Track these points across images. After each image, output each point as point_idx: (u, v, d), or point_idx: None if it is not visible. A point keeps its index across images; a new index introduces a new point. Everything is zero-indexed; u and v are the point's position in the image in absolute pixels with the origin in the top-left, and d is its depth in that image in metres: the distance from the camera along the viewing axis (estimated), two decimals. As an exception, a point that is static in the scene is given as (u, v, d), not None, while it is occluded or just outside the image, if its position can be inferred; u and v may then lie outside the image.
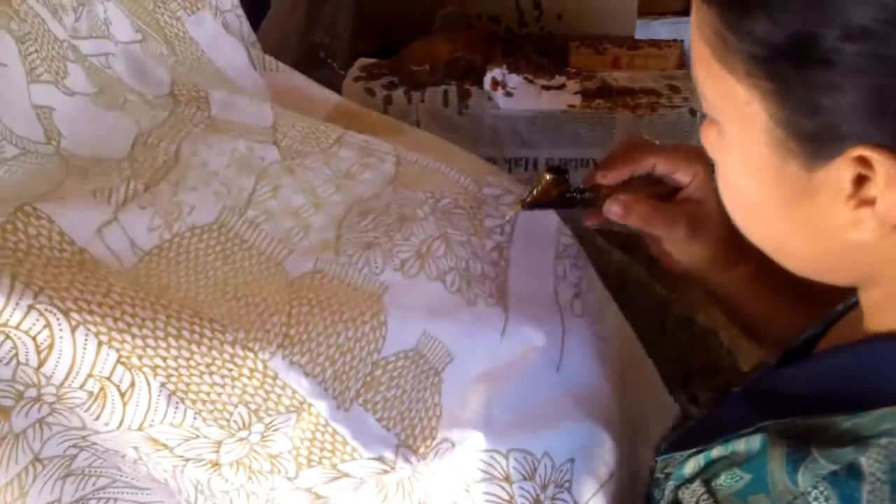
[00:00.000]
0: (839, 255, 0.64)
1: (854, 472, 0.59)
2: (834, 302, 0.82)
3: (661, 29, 1.96)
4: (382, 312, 0.77)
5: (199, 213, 0.78)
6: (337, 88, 1.16)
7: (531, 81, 1.16)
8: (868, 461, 0.59)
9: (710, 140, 0.71)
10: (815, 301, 0.87)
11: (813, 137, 0.58)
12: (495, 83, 1.15)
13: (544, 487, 0.80)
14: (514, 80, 1.15)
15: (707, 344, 1.17)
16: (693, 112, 1.15)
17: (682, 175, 0.88)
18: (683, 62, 1.78)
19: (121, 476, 0.74)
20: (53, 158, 0.75)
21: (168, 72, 0.91)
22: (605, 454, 0.84)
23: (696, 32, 0.64)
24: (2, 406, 0.66)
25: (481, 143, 1.17)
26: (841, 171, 0.58)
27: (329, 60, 1.18)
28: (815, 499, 0.60)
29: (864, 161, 0.56)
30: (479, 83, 1.15)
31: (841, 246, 0.62)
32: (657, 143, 0.90)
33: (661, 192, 0.88)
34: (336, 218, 0.83)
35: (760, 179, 0.63)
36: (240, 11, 1.10)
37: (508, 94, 1.14)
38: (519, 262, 0.88)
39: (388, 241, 0.83)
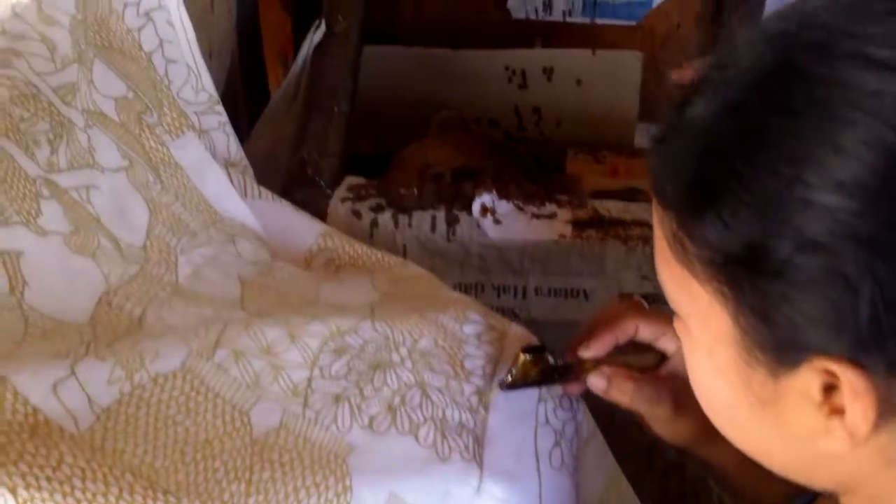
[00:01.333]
0: (814, 460, 0.61)
1: None
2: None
3: (661, 133, 1.94)
4: (347, 476, 0.74)
5: (164, 359, 0.74)
6: (324, 208, 1.14)
7: (521, 209, 1.13)
8: None
9: (679, 331, 0.69)
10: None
11: (774, 346, 0.56)
12: (484, 210, 1.12)
13: None
14: (503, 206, 1.13)
15: (696, 490, 1.14)
16: (686, 246, 1.12)
17: (667, 342, 0.85)
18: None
19: None
20: (13, 314, 0.72)
21: (148, 211, 0.88)
22: None
23: (656, 227, 0.62)
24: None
25: (469, 269, 1.15)
26: (807, 379, 0.55)
27: (316, 178, 1.15)
28: None
29: (829, 371, 0.54)
30: (469, 208, 1.12)
31: (814, 453, 0.60)
32: (643, 304, 0.87)
33: (646, 363, 0.86)
34: (311, 353, 0.80)
35: (728, 380, 0.61)
36: (228, 129, 1.08)
37: (497, 222, 1.12)
38: (499, 407, 0.85)
39: (357, 394, 0.80)
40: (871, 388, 0.52)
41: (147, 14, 1.01)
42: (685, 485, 1.09)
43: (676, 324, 0.68)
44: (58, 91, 0.87)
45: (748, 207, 0.53)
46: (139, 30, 1.00)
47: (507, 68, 1.70)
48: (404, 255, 1.14)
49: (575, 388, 0.87)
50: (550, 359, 0.85)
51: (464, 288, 1.16)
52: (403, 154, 1.62)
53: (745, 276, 0.54)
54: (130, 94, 0.95)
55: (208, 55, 1.24)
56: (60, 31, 0.90)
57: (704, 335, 0.61)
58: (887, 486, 0.59)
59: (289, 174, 1.19)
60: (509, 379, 0.84)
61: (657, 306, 0.91)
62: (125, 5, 0.99)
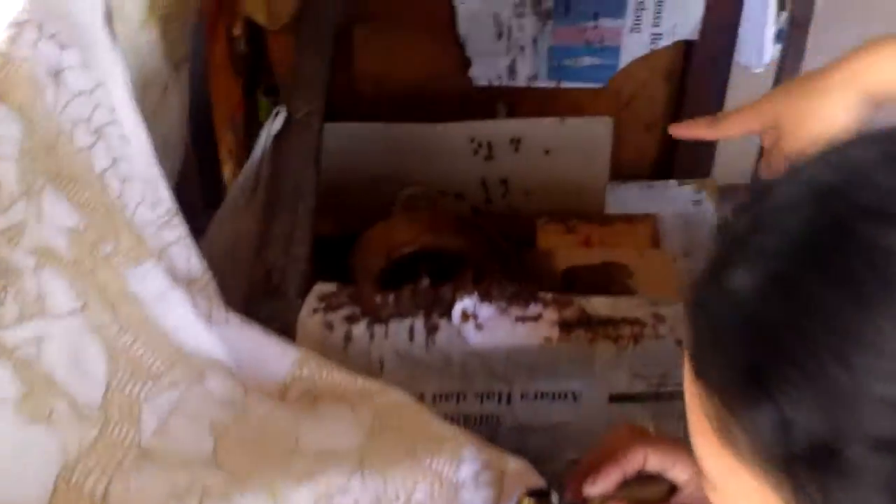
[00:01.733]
0: None
1: None
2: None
3: (629, 194, 1.89)
4: None
5: None
6: (293, 321, 1.07)
7: (504, 311, 1.07)
8: None
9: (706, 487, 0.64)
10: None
11: None
12: (465, 315, 1.06)
13: None
14: (485, 310, 1.06)
15: None
16: (679, 342, 1.07)
17: (678, 472, 0.79)
18: (657, 238, 1.72)
19: None
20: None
21: (107, 357, 0.81)
22: None
23: (691, 398, 0.56)
24: None
25: (450, 377, 1.09)
26: None
27: (283, 288, 1.09)
28: None
29: None
30: (448, 314, 1.06)
31: None
32: (650, 431, 0.82)
33: (656, 494, 0.80)
34: None
35: None
36: (188, 241, 1.01)
37: (479, 328, 1.06)
38: None
39: None
40: None
41: (98, 131, 0.94)
42: None
43: (707, 485, 0.63)
44: (4, 234, 0.80)
45: (812, 401, 0.47)
46: (90, 148, 0.93)
47: (472, 140, 1.65)
48: (381, 367, 1.07)
49: None
50: (555, 501, 0.79)
51: (444, 397, 1.10)
52: (369, 235, 1.57)
53: (807, 475, 0.48)
54: (83, 225, 0.88)
55: (161, 150, 1.17)
56: (6, 164, 0.83)
57: None
58: None
59: (253, 283, 1.12)
60: None
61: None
62: (74, 124, 0.92)
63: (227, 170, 1.89)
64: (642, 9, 1.70)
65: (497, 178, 1.68)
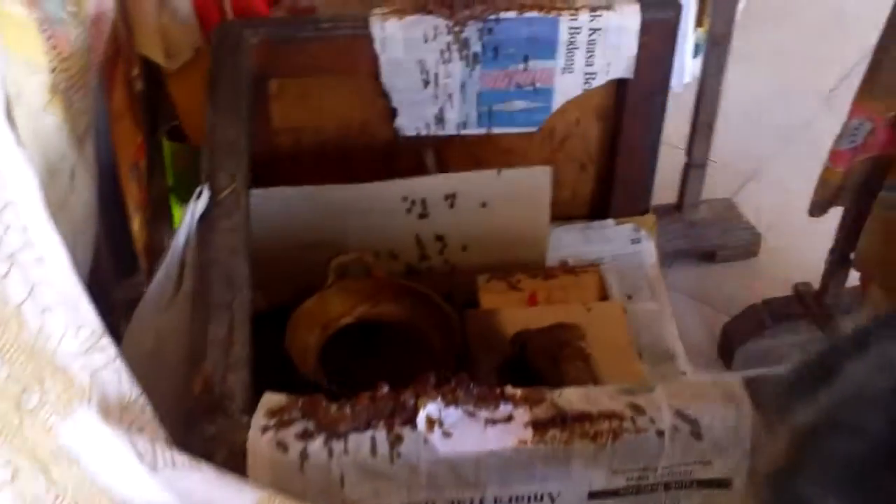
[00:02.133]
0: None
1: None
2: None
3: (566, 236, 1.82)
4: None
5: None
6: (240, 444, 0.97)
7: (472, 414, 0.98)
8: None
9: None
10: None
11: None
12: (430, 422, 0.97)
13: None
14: (452, 415, 0.98)
15: None
16: (660, 433, 1.00)
17: None
18: (604, 290, 1.65)
19: None
20: None
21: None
22: None
23: None
24: None
25: (417, 489, 0.99)
26: None
27: (227, 403, 0.98)
28: None
29: None
30: (412, 422, 0.97)
31: None
32: None
33: None
34: None
35: None
36: (118, 363, 0.91)
37: (447, 435, 0.97)
38: None
39: None
40: None
41: (11, 257, 0.83)
42: None
43: None
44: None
45: None
46: (3, 279, 0.82)
47: (405, 199, 1.56)
48: (342, 484, 0.98)
49: None
50: None
51: (412, 508, 1.01)
52: (302, 311, 1.47)
53: None
54: (4, 375, 0.77)
55: (73, 242, 1.06)
56: None
57: None
58: None
59: (190, 398, 1.01)
60: None
61: None
62: (-20, 255, 0.81)
63: (135, 224, 1.76)
64: (574, 48, 1.62)
65: (432, 234, 1.59)
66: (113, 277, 1.65)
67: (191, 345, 1.10)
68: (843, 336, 0.50)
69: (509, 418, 1.00)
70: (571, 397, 1.03)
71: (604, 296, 1.64)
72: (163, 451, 0.85)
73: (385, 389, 1.00)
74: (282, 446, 0.97)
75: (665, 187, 2.11)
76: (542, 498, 1.03)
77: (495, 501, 1.03)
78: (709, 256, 2.35)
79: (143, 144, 1.79)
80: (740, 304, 2.17)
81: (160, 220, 1.95)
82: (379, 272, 1.54)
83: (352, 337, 1.52)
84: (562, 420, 1.00)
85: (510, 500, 1.03)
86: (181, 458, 0.86)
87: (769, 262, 2.35)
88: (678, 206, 2.33)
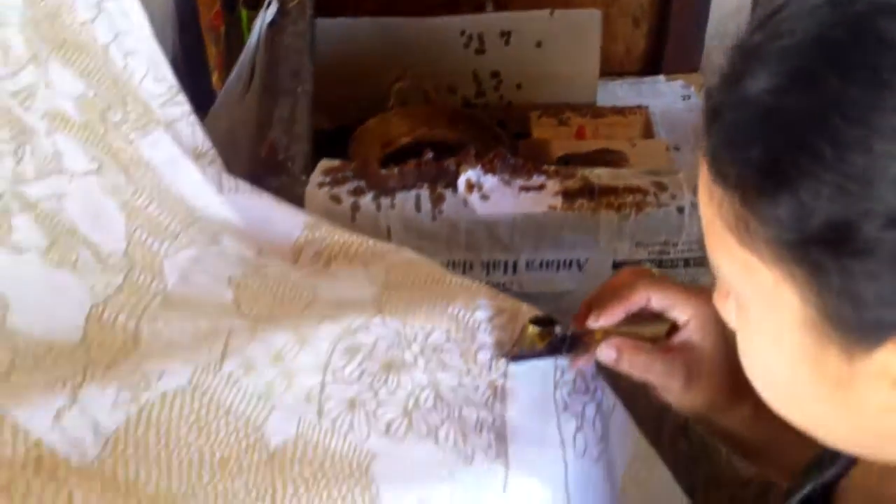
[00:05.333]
0: (878, 436, 0.58)
1: None
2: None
3: (619, 90, 1.91)
4: (373, 484, 0.70)
5: (170, 377, 0.69)
6: (299, 196, 1.08)
7: (508, 182, 1.08)
8: None
9: (725, 310, 0.65)
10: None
11: (853, 327, 0.52)
12: (470, 185, 1.07)
13: None
14: (489, 181, 1.08)
15: (707, 454, 1.11)
16: (681, 209, 1.09)
17: (679, 312, 0.81)
18: (650, 129, 1.73)
19: None
20: (-2, 341, 0.66)
21: (125, 216, 0.82)
22: None
23: (709, 209, 0.57)
24: None
25: (456, 247, 1.10)
26: (886, 358, 0.51)
27: (289, 164, 1.09)
28: None
29: None
30: (453, 185, 1.07)
31: (881, 427, 0.56)
32: (653, 272, 0.84)
33: (656, 332, 0.82)
34: (322, 355, 0.75)
35: (792, 362, 0.57)
36: (192, 118, 1.01)
37: (485, 198, 1.07)
38: (516, 398, 0.81)
39: (372, 397, 0.75)
40: None
41: (98, 5, 0.94)
42: (695, 449, 1.06)
43: (720, 301, 0.65)
44: (16, 96, 0.80)
45: (831, 187, 0.48)
46: (93, 21, 0.93)
47: (463, 33, 1.65)
48: (388, 238, 1.08)
49: (582, 361, 0.83)
50: (558, 329, 0.82)
51: (452, 266, 1.11)
52: (365, 129, 1.57)
53: (825, 256, 0.50)
54: (91, 93, 0.88)
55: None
56: (10, 30, 0.83)
57: (767, 318, 0.57)
58: None
59: (257, 162, 1.12)
60: (516, 350, 0.81)
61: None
62: (74, -4, 0.92)
63: (213, 78, 1.88)
64: None
65: (489, 70, 1.68)
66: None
67: (258, 124, 1.21)
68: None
69: (542, 187, 1.10)
70: (601, 173, 1.12)
71: (650, 136, 1.72)
72: (228, 179, 0.97)
73: (430, 156, 1.11)
74: (335, 199, 1.08)
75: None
76: (570, 265, 1.13)
77: (527, 266, 1.13)
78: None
79: (220, 12, 1.89)
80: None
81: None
82: (437, 100, 1.64)
83: (409, 157, 1.62)
84: (590, 191, 1.10)
85: (541, 264, 1.13)
86: (244, 185, 0.97)
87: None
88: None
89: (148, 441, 0.66)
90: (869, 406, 0.55)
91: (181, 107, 1.01)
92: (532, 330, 0.81)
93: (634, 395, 0.96)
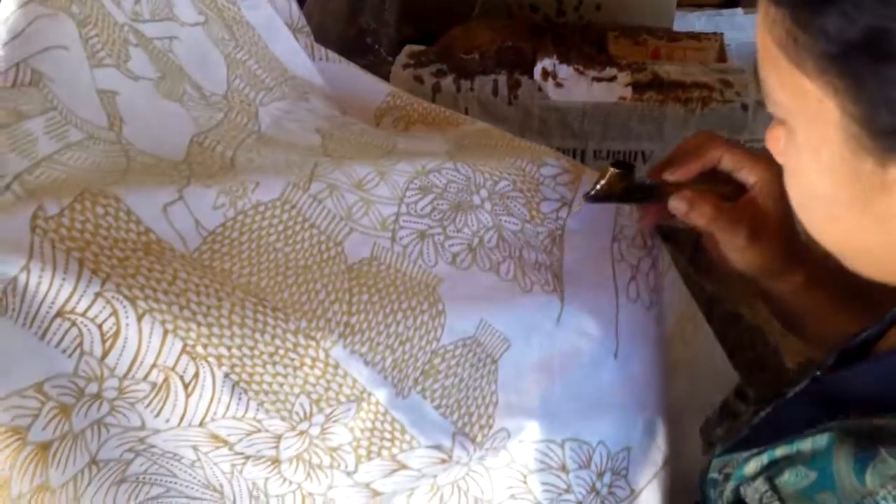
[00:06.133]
0: None
1: None
2: (887, 306, 0.82)
3: (697, 22, 1.94)
4: (440, 302, 0.77)
5: (264, 189, 0.76)
6: (384, 75, 1.15)
7: (582, 73, 1.14)
8: None
9: (777, 144, 0.71)
10: (868, 305, 0.87)
11: (888, 132, 0.57)
12: (546, 73, 1.13)
13: (601, 475, 0.81)
14: (564, 70, 1.14)
15: (753, 340, 1.16)
16: (745, 107, 1.14)
17: (747, 174, 0.87)
18: (724, 56, 1.76)
19: (175, 484, 0.73)
20: (115, 147, 0.75)
21: (226, 65, 0.90)
22: (660, 440, 0.85)
23: (764, 34, 0.63)
24: (63, 404, 0.65)
25: (529, 133, 1.16)
26: None
27: (376, 47, 1.16)
28: (884, 498, 0.59)
29: None
30: (529, 73, 1.14)
31: None
32: (725, 139, 0.89)
33: (724, 193, 0.87)
34: (398, 190, 0.82)
35: (833, 177, 0.63)
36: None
37: (559, 85, 1.13)
38: (574, 247, 0.88)
39: (441, 232, 0.82)
40: None
41: None
42: (742, 336, 1.12)
43: (773, 135, 0.70)
44: (134, -55, 0.88)
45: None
46: None
47: (548, -47, 1.70)
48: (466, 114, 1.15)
49: (650, 216, 0.88)
50: (636, 177, 0.87)
51: (523, 152, 1.17)
52: (449, 37, 1.63)
53: (865, 63, 0.56)
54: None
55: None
56: None
57: (810, 134, 0.62)
58: None
59: (346, 44, 1.20)
60: (596, 189, 0.86)
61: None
62: None
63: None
64: None
65: (570, -10, 1.73)
66: None
67: (350, 11, 1.28)
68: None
69: (613, 78, 1.15)
70: (669, 69, 1.17)
71: (722, 61, 1.76)
72: (318, 48, 1.04)
73: (509, 43, 1.17)
74: (418, 80, 1.15)
75: None
76: (636, 156, 1.19)
77: (595, 155, 1.19)
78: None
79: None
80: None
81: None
82: (519, 14, 1.70)
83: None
84: (658, 84, 1.16)
85: (608, 154, 1.19)
86: (333, 55, 1.04)
87: None
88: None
89: (241, 242, 0.73)
90: None
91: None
92: (612, 173, 0.85)
93: (689, 279, 1.02)
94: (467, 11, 1.69)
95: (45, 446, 0.65)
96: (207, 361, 0.67)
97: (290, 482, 0.74)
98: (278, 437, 0.72)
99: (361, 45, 1.18)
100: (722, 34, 1.82)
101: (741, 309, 1.17)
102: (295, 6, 1.09)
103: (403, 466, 0.75)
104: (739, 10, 1.94)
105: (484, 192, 0.86)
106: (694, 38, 1.79)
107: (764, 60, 0.64)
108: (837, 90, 0.58)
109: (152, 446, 0.70)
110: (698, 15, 1.95)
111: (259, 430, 0.71)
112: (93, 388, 0.66)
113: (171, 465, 0.72)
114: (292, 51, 1.00)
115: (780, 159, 0.71)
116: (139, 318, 0.65)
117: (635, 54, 1.72)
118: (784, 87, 0.63)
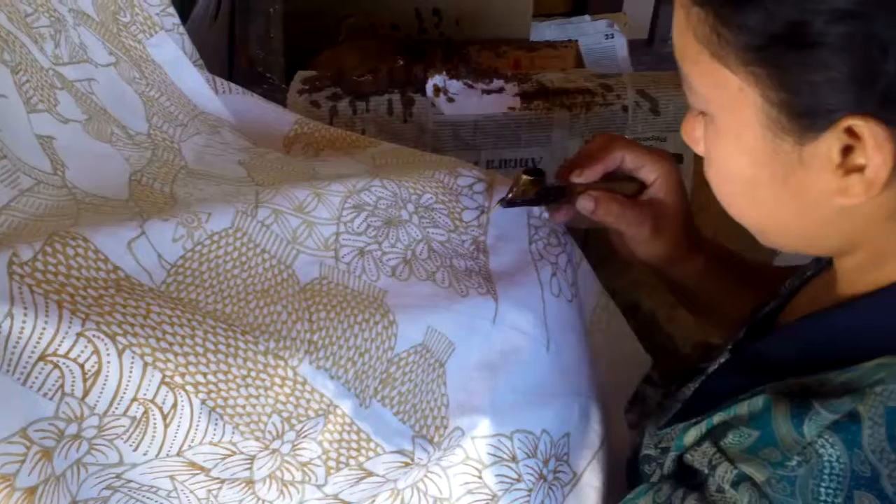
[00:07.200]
0: (825, 223, 0.70)
1: (853, 418, 0.65)
2: (777, 283, 0.90)
3: (548, 31, 2.02)
4: (390, 312, 0.81)
5: (216, 219, 0.78)
6: (281, 102, 1.17)
7: (471, 86, 1.19)
8: (865, 408, 0.65)
9: (693, 134, 0.77)
10: (761, 283, 0.95)
11: (805, 113, 0.64)
12: (437, 90, 1.18)
13: (546, 462, 0.86)
14: (454, 85, 1.19)
15: (651, 329, 1.24)
16: (625, 108, 1.21)
17: (648, 172, 0.94)
18: (580, 61, 1.85)
19: (152, 517, 0.74)
20: (63, 191, 0.76)
21: (142, 103, 0.92)
22: (595, 423, 0.91)
23: (683, 33, 0.70)
24: (45, 447, 0.66)
25: (423, 147, 1.20)
26: (830, 143, 0.64)
27: (268, 75, 1.19)
28: (822, 446, 0.66)
29: (850, 132, 0.63)
30: (422, 90, 1.18)
31: (827, 214, 0.69)
32: (626, 138, 0.96)
33: (628, 190, 0.94)
34: (335, 210, 0.86)
35: (754, 157, 0.69)
36: (181, 30, 1.10)
37: (451, 100, 1.18)
38: (497, 251, 0.93)
39: (377, 248, 0.86)
40: (891, 140, 0.62)
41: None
42: (639, 324, 1.19)
43: (689, 127, 0.77)
44: (49, -11, 0.89)
45: None
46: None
47: (407, -27, 1.75)
48: (364, 137, 1.19)
49: (561, 214, 0.94)
50: (547, 181, 0.93)
51: (420, 167, 1.22)
52: (318, 61, 1.66)
53: (785, 52, 0.62)
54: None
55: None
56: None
57: (731, 121, 0.69)
58: (889, 238, 0.69)
59: (240, 75, 1.22)
60: (511, 194, 0.92)
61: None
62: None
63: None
64: None
65: (430, 8, 1.78)
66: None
67: (239, 40, 1.30)
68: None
69: (501, 90, 1.21)
70: (553, 77, 1.24)
71: (580, 67, 1.84)
72: (221, 82, 1.06)
73: (401, 63, 1.21)
74: (315, 104, 1.18)
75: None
76: (526, 163, 1.25)
77: (488, 165, 1.24)
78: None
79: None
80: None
81: None
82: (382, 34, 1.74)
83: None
84: (545, 93, 1.22)
85: (501, 163, 1.24)
86: (236, 87, 1.07)
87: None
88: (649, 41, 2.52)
89: (202, 272, 0.75)
90: (816, 193, 0.67)
91: (172, 18, 1.09)
92: (525, 179, 0.91)
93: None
94: (333, 36, 1.72)
95: (31, 491, 0.66)
96: (185, 390, 0.69)
97: (264, 501, 0.77)
98: (252, 458, 0.74)
99: (254, 74, 1.21)
100: (577, 40, 1.91)
101: (637, 299, 1.25)
102: (188, 42, 1.10)
103: (370, 474, 0.78)
104: (587, 17, 2.03)
105: (411, 207, 0.90)
106: (551, 47, 1.87)
107: (684, 57, 0.71)
108: (759, 78, 0.65)
109: (129, 481, 0.72)
110: (548, 24, 2.03)
111: (234, 453, 0.73)
112: (72, 429, 0.67)
113: (148, 498, 0.73)
114: (199, 87, 1.02)
115: (697, 148, 0.77)
116: (120, 354, 0.67)
117: (498, 66, 1.78)
118: (704, 79, 0.69)
